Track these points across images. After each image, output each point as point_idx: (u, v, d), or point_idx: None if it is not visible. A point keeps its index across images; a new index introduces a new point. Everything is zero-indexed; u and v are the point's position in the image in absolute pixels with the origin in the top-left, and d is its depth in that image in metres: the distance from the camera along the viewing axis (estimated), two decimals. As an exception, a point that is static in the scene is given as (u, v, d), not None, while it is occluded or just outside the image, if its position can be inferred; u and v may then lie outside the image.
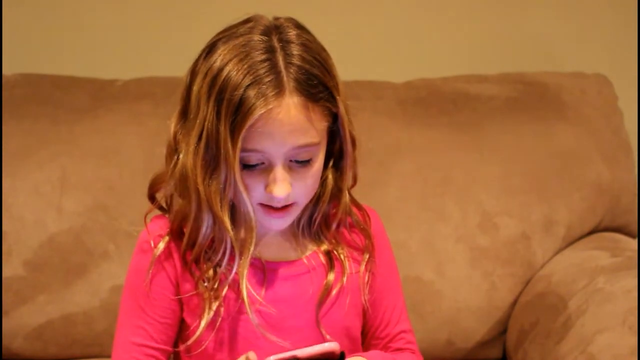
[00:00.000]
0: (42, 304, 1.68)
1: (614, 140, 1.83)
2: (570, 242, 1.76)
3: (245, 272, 1.13)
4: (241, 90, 1.05)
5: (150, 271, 1.16)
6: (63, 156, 1.73)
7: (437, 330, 1.70)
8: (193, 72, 1.11)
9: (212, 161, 1.09)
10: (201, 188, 1.09)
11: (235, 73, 1.06)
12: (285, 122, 1.06)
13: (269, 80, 1.06)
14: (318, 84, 1.08)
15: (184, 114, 1.12)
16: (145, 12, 2.03)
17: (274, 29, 1.10)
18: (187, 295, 1.17)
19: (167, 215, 1.20)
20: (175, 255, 1.17)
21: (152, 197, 1.21)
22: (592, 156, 1.80)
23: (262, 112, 1.05)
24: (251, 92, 1.05)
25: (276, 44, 1.08)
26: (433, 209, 1.74)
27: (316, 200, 1.18)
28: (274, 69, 1.06)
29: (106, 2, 2.02)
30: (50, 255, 1.69)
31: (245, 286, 1.13)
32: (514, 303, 1.71)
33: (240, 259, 1.14)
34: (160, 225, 1.19)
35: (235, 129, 1.05)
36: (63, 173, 1.72)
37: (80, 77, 1.84)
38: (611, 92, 1.87)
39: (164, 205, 1.20)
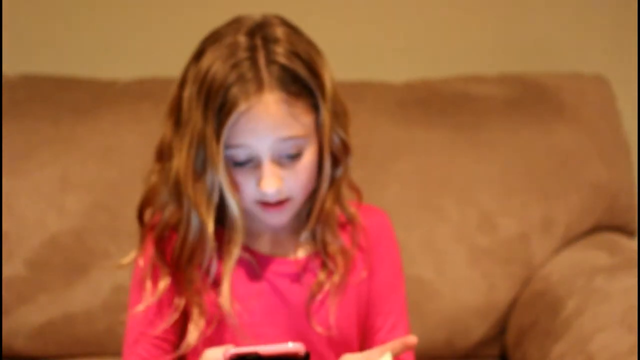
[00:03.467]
0: (43, 304, 1.69)
1: (612, 140, 1.83)
2: (569, 242, 1.77)
3: (228, 274, 1.15)
4: (223, 90, 1.07)
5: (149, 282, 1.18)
6: (64, 156, 1.73)
7: (436, 330, 1.71)
8: (184, 80, 1.13)
9: (202, 165, 1.11)
10: (191, 192, 1.11)
11: (219, 73, 1.08)
12: (266, 116, 1.08)
13: (249, 78, 1.08)
14: (299, 80, 1.10)
15: (177, 122, 1.13)
16: (145, 12, 2.03)
17: (259, 28, 1.11)
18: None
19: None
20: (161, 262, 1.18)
21: (141, 216, 1.20)
22: (590, 156, 1.80)
23: (243, 109, 1.07)
24: (233, 90, 1.07)
25: (259, 42, 1.10)
26: (433, 209, 1.75)
27: (313, 196, 1.18)
28: (254, 66, 1.08)
29: (106, 2, 2.03)
30: (52, 254, 1.69)
31: (227, 289, 1.14)
32: (513, 302, 1.72)
33: (225, 262, 1.15)
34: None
35: (219, 128, 1.08)
36: (64, 173, 1.72)
37: (81, 77, 1.84)
38: (610, 93, 1.87)
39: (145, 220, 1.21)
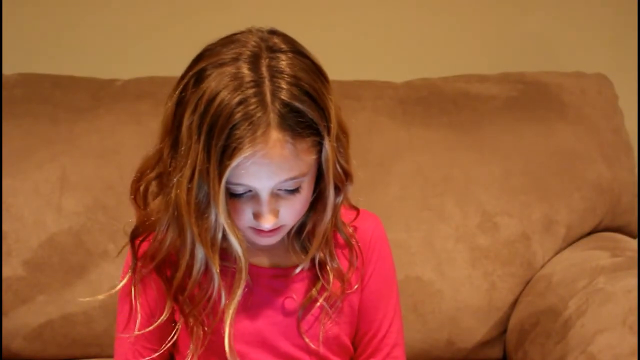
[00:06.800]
0: (42, 304, 1.68)
1: (614, 140, 1.83)
2: (570, 242, 1.76)
3: (232, 312, 1.12)
4: (228, 130, 1.02)
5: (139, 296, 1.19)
6: (63, 156, 1.73)
7: (437, 330, 1.70)
8: (182, 100, 1.07)
9: (204, 199, 1.07)
10: (195, 229, 1.09)
11: (224, 108, 1.02)
12: (270, 161, 1.04)
13: (256, 118, 1.02)
14: (305, 120, 1.05)
15: (175, 146, 1.09)
16: (145, 12, 2.02)
17: (265, 52, 1.06)
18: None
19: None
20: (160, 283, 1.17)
21: (134, 241, 1.19)
22: (592, 156, 1.80)
23: (248, 153, 1.03)
24: (238, 131, 1.02)
25: (265, 74, 1.04)
26: (433, 209, 1.74)
27: (308, 211, 1.17)
28: (261, 105, 1.03)
29: (106, 2, 2.02)
30: (50, 255, 1.69)
31: (228, 327, 1.12)
32: (514, 303, 1.71)
33: (228, 299, 1.13)
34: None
35: (221, 168, 1.04)
36: (63, 173, 1.72)
37: (80, 76, 1.84)
38: (611, 92, 1.87)
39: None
